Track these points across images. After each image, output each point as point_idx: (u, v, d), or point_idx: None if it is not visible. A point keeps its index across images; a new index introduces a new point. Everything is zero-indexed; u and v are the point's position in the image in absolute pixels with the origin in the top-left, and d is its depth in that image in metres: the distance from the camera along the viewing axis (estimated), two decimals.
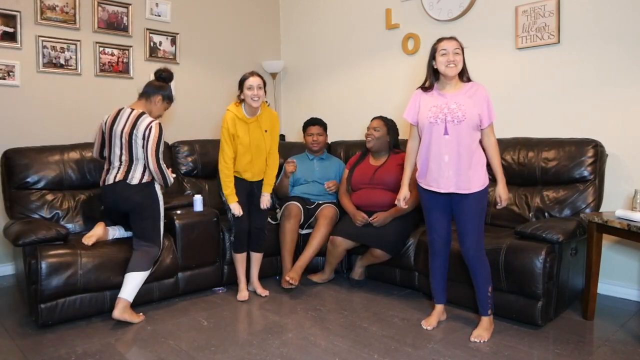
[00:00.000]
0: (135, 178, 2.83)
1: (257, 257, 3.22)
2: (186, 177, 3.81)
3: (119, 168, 2.86)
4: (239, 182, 3.09)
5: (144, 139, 2.82)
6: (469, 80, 2.47)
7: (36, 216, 3.04)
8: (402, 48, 4.11)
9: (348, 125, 4.54)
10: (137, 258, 2.75)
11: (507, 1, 3.44)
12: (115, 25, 4.03)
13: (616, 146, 3.01)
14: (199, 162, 3.83)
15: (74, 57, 3.83)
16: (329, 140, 4.34)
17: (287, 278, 3.14)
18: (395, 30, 4.15)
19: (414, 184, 2.63)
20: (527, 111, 3.39)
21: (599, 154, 2.91)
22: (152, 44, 4.25)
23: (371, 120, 3.41)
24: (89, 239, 2.77)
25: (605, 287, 3.05)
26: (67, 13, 3.78)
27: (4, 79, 3.55)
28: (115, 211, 2.92)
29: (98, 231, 2.83)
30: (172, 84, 4.25)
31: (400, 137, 3.46)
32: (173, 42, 4.38)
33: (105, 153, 2.94)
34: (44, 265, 2.52)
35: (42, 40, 3.67)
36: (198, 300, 3.07)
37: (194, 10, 4.53)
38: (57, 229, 2.69)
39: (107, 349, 2.35)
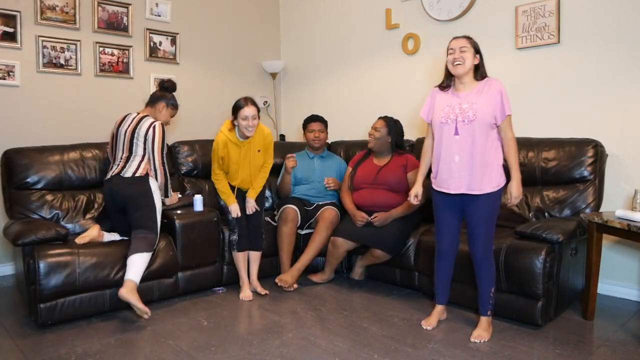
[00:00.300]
0: (129, 171, 2.95)
1: (256, 256, 3.23)
2: (186, 177, 3.81)
3: (118, 164, 3.00)
4: (233, 188, 3.22)
5: (145, 137, 2.97)
6: (483, 77, 2.42)
7: (36, 216, 3.04)
8: (402, 48, 4.11)
9: (348, 125, 4.54)
10: (136, 242, 2.79)
11: (507, 1, 3.44)
12: (115, 25, 4.03)
13: (616, 146, 3.01)
14: (199, 162, 3.83)
15: (74, 57, 3.83)
16: (329, 140, 4.34)
17: (279, 281, 3.18)
18: (395, 30, 4.15)
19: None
20: (527, 111, 3.39)
21: (599, 154, 2.91)
22: (152, 44, 4.25)
23: (376, 120, 3.40)
24: (82, 238, 2.79)
25: (605, 287, 3.05)
26: (67, 13, 3.78)
27: (4, 79, 3.55)
28: (113, 206, 2.99)
29: (92, 232, 2.85)
30: None
31: (406, 137, 3.46)
32: (173, 42, 4.38)
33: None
34: (42, 265, 2.52)
35: (42, 40, 3.67)
36: (198, 300, 3.07)
37: (194, 10, 4.53)
38: (57, 229, 2.69)
39: (107, 349, 2.35)
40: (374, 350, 2.33)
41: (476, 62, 2.41)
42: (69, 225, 3.08)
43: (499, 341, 2.41)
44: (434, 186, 2.53)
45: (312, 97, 4.92)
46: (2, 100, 3.55)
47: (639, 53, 2.92)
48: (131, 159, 3.00)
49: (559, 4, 3.20)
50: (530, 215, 3.03)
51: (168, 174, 3.10)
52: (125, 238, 2.98)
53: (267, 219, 3.46)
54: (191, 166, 3.83)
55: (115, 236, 3.00)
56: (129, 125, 3.03)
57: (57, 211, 3.12)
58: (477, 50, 2.42)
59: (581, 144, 2.96)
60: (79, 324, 2.66)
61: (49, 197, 3.13)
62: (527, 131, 3.32)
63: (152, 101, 3.16)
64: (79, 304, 2.67)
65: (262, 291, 3.13)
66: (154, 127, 3.00)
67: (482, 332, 2.43)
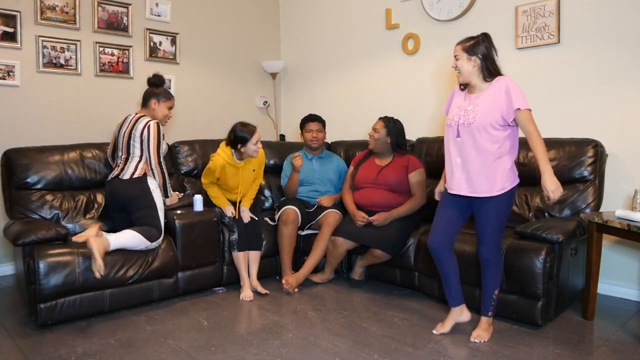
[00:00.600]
0: (127, 173, 2.98)
1: (256, 256, 3.24)
2: (186, 177, 3.81)
3: (118, 166, 3.04)
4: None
5: (141, 138, 2.98)
6: (493, 77, 2.33)
7: (36, 216, 3.04)
8: (402, 48, 4.11)
9: (348, 125, 4.54)
10: (138, 228, 2.85)
11: (507, 1, 3.44)
12: (115, 25, 4.03)
13: (616, 146, 3.01)
14: (199, 162, 3.83)
15: (74, 57, 3.83)
16: (329, 140, 4.34)
17: (285, 283, 3.18)
18: (395, 30, 4.15)
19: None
20: None
21: (599, 154, 2.91)
22: (152, 44, 4.25)
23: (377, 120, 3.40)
24: (80, 237, 2.73)
25: (605, 287, 3.05)
26: (67, 13, 3.78)
27: (4, 79, 3.54)
28: (114, 207, 3.03)
29: (90, 232, 2.80)
30: (173, 84, 4.29)
31: (406, 137, 3.45)
32: (173, 42, 4.38)
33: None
34: (42, 265, 2.52)
35: (42, 40, 3.67)
36: (198, 300, 3.07)
37: (194, 10, 4.53)
38: (57, 229, 2.69)
39: (107, 349, 2.35)
40: (374, 350, 2.33)
41: (474, 64, 2.34)
42: (69, 225, 3.07)
43: (499, 341, 2.41)
44: (445, 185, 2.52)
45: (312, 97, 4.92)
46: (2, 100, 3.55)
47: (639, 53, 2.92)
48: (129, 160, 3.03)
49: (559, 4, 3.20)
50: (530, 215, 3.03)
51: (166, 174, 3.10)
52: None
53: (267, 219, 3.46)
54: (191, 166, 3.83)
55: (119, 238, 2.94)
56: (127, 127, 3.05)
57: (57, 211, 3.12)
58: (473, 53, 2.33)
59: (581, 144, 2.96)
60: (79, 324, 2.66)
61: (49, 197, 3.13)
62: None
63: (144, 101, 3.16)
64: (79, 304, 2.67)
65: (263, 290, 3.14)
66: (149, 127, 3.00)
67: (481, 332, 2.42)
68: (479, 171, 2.32)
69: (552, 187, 2.23)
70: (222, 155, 3.23)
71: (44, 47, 3.69)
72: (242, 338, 2.49)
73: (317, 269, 3.46)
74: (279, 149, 4.21)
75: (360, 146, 3.97)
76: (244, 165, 3.27)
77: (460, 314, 2.53)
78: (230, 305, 2.98)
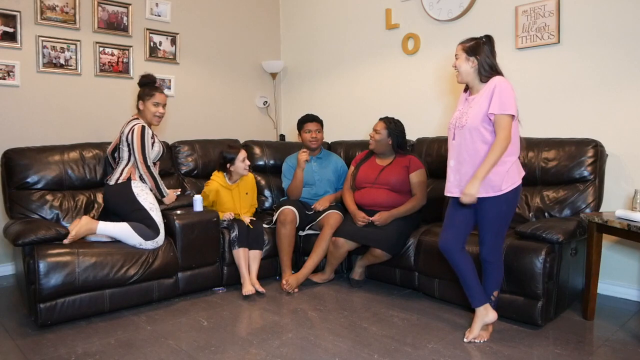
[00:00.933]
0: (113, 178, 3.03)
1: (256, 255, 3.24)
2: (186, 177, 3.81)
3: (112, 169, 3.15)
4: None
5: (127, 141, 3.01)
6: (489, 78, 2.31)
7: (36, 216, 3.04)
8: (402, 48, 4.11)
9: (348, 125, 4.55)
10: (133, 224, 2.87)
11: (507, 1, 3.44)
12: (115, 25, 4.03)
13: (616, 146, 3.01)
14: (199, 162, 3.84)
15: (74, 57, 3.83)
16: (329, 140, 4.34)
17: (285, 284, 3.19)
18: (395, 30, 4.16)
19: None
20: (527, 111, 3.38)
21: (599, 154, 2.91)
22: (152, 44, 4.25)
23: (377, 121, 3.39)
24: (71, 231, 2.75)
25: (605, 287, 3.06)
26: (67, 13, 3.78)
27: (4, 79, 3.54)
28: (108, 212, 3.08)
29: (75, 222, 2.81)
30: (173, 84, 4.31)
31: (407, 137, 3.45)
32: (173, 42, 4.38)
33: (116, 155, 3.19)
34: (41, 264, 2.52)
35: (42, 40, 3.67)
36: (198, 300, 3.07)
37: (194, 10, 4.53)
38: (57, 229, 2.69)
39: (107, 349, 2.35)
40: (374, 350, 2.33)
41: (472, 65, 2.33)
42: (69, 225, 3.07)
43: (499, 341, 2.41)
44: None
45: (312, 97, 4.92)
46: (2, 100, 3.55)
47: (638, 53, 2.92)
48: (118, 164, 3.07)
49: (559, 4, 3.20)
50: (530, 215, 3.03)
51: (157, 176, 3.09)
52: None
53: (264, 224, 3.45)
54: (191, 166, 3.83)
55: (109, 225, 2.89)
56: (122, 130, 3.07)
57: (57, 211, 3.12)
58: (472, 54, 2.33)
59: (581, 144, 2.96)
60: (79, 324, 2.66)
61: (49, 197, 3.13)
62: (527, 131, 3.31)
63: (137, 106, 3.18)
64: (79, 304, 2.66)
65: (260, 289, 3.13)
66: (133, 131, 3.00)
67: (481, 332, 2.42)
68: (470, 174, 2.30)
69: (469, 191, 2.22)
70: (216, 179, 3.44)
71: (44, 47, 3.69)
72: (242, 338, 2.49)
73: (317, 269, 3.45)
74: (279, 149, 4.21)
75: (360, 146, 3.97)
76: (236, 187, 3.46)
77: (486, 314, 2.40)
78: (230, 305, 2.98)
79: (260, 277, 3.26)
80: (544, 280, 2.48)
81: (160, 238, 2.93)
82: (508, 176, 2.29)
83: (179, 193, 3.37)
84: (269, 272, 3.46)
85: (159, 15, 4.28)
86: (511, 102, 2.22)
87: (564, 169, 2.97)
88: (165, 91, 4.28)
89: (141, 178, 3.03)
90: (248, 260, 3.22)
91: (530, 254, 2.51)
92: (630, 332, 2.52)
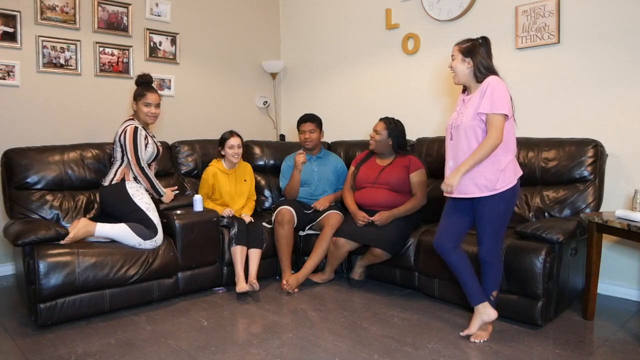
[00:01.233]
0: (107, 179, 3.04)
1: (256, 254, 3.23)
2: (186, 177, 3.81)
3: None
4: None
5: (120, 142, 3.01)
6: (484, 78, 2.33)
7: (36, 216, 3.04)
8: (402, 48, 4.11)
9: (348, 125, 4.55)
10: (131, 224, 2.87)
11: (507, 1, 3.44)
12: (115, 25, 4.03)
13: (616, 146, 3.01)
14: (199, 162, 3.83)
15: (74, 57, 3.83)
16: (329, 140, 4.34)
17: (285, 284, 3.18)
18: (395, 30, 4.15)
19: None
20: (527, 111, 3.39)
21: (599, 154, 2.91)
22: (152, 44, 4.25)
23: (378, 121, 3.39)
24: (71, 226, 2.78)
25: (605, 287, 3.06)
26: (67, 13, 3.78)
27: (4, 79, 3.54)
28: (106, 213, 3.08)
29: (73, 225, 2.80)
30: (173, 84, 4.32)
31: (406, 137, 3.46)
32: (173, 42, 4.38)
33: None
34: (41, 264, 2.52)
35: (42, 40, 3.67)
36: (198, 300, 3.07)
37: (194, 10, 4.53)
38: (57, 229, 2.69)
39: (107, 349, 2.35)
40: (374, 350, 2.33)
41: (468, 66, 2.35)
42: (69, 225, 3.07)
43: (499, 341, 2.41)
44: None
45: (312, 97, 4.92)
46: (2, 100, 3.55)
47: (638, 53, 2.92)
48: (113, 164, 3.09)
49: (559, 4, 3.20)
50: (530, 215, 3.03)
51: (152, 177, 3.08)
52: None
53: (264, 223, 3.45)
54: (191, 166, 3.83)
55: (107, 226, 2.88)
56: (117, 130, 3.09)
57: (57, 211, 3.11)
58: (468, 55, 2.34)
59: (581, 144, 2.96)
60: (79, 324, 2.66)
61: (49, 197, 3.13)
62: (527, 131, 3.32)
63: (132, 105, 3.20)
64: (79, 304, 2.66)
65: (256, 286, 3.09)
66: (125, 132, 3.01)
67: (481, 332, 2.42)
68: (468, 172, 2.30)
69: (450, 181, 2.27)
70: (214, 164, 3.54)
71: (44, 47, 3.69)
72: (242, 338, 2.49)
73: (318, 269, 3.45)
74: (279, 149, 4.21)
75: (360, 146, 3.97)
76: (234, 173, 3.53)
77: (485, 311, 2.40)
78: (230, 305, 2.98)
79: (260, 277, 3.25)
80: (544, 280, 2.48)
81: (159, 237, 2.93)
82: (503, 176, 2.29)
83: (177, 192, 3.36)
84: (269, 272, 3.46)
85: (159, 15, 4.28)
86: (504, 101, 2.23)
87: (564, 169, 2.97)
88: (165, 91, 4.32)
89: (135, 179, 3.03)
90: (245, 258, 3.21)
91: (530, 254, 2.51)
92: (630, 332, 2.52)
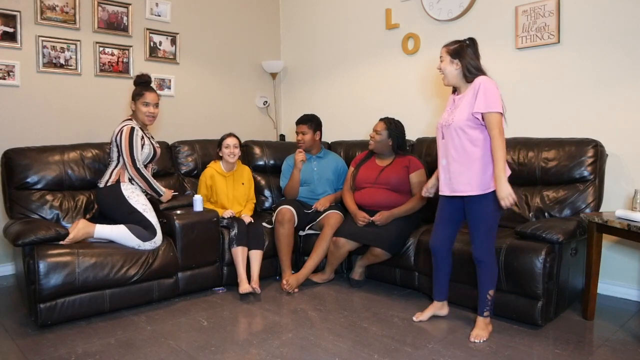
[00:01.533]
0: (103, 181, 3.04)
1: (257, 255, 3.23)
2: (186, 177, 3.81)
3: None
4: None
5: (116, 142, 3.00)
6: (474, 78, 2.37)
7: (36, 216, 3.04)
8: (402, 48, 4.11)
9: (348, 125, 4.54)
10: (129, 225, 2.87)
11: (507, 1, 3.44)
12: (115, 25, 4.03)
13: (616, 146, 3.01)
14: (199, 162, 3.83)
15: (74, 57, 3.83)
16: (329, 140, 4.34)
17: (286, 284, 3.18)
18: (395, 30, 4.16)
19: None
20: (527, 111, 3.39)
21: (599, 154, 2.91)
22: (152, 44, 4.25)
23: (377, 121, 3.39)
24: (72, 227, 2.78)
25: (605, 287, 3.06)
26: (67, 13, 3.78)
27: (4, 79, 3.54)
28: (103, 215, 3.09)
29: (73, 227, 2.80)
30: (173, 84, 4.31)
31: (406, 138, 3.46)
32: (173, 42, 4.38)
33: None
34: (41, 265, 2.52)
35: (42, 40, 3.67)
36: (198, 300, 3.07)
37: (194, 10, 4.53)
38: (57, 229, 2.69)
39: (107, 349, 2.35)
40: (374, 350, 2.33)
41: (457, 67, 2.40)
42: (69, 225, 3.07)
43: (499, 341, 2.41)
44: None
45: (312, 97, 4.92)
46: (2, 100, 3.55)
47: (638, 53, 2.92)
48: (109, 165, 3.08)
49: (559, 4, 3.20)
50: (530, 215, 3.03)
51: (148, 177, 3.06)
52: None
53: (264, 224, 3.46)
54: (191, 166, 3.83)
55: (106, 228, 2.89)
56: (114, 130, 3.08)
57: (57, 211, 3.11)
58: (456, 56, 2.39)
59: (581, 144, 2.96)
60: (79, 324, 2.66)
61: (49, 197, 3.12)
62: (527, 131, 3.32)
63: (130, 105, 3.19)
64: (79, 304, 2.66)
65: (258, 290, 3.09)
66: (121, 132, 2.99)
67: (479, 332, 2.43)
68: (459, 171, 2.37)
69: (503, 194, 2.24)
70: (212, 165, 3.55)
71: (44, 47, 3.69)
72: (242, 338, 2.49)
73: (318, 269, 3.45)
74: (279, 149, 4.21)
75: (360, 146, 3.97)
76: (232, 175, 3.53)
77: (441, 308, 2.71)
78: (230, 305, 2.98)
79: (261, 277, 3.25)
80: (544, 280, 2.48)
81: (158, 238, 2.92)
82: (491, 176, 2.33)
83: (176, 194, 3.37)
84: (269, 272, 3.46)
85: (159, 15, 4.28)
86: (497, 100, 2.28)
87: (564, 169, 2.97)
88: (165, 91, 4.32)
89: (131, 180, 3.02)
90: (246, 259, 3.21)
91: (530, 254, 2.50)
92: (630, 332, 2.52)
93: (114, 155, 3.04)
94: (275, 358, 2.25)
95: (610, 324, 2.62)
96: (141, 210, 2.92)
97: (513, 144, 3.22)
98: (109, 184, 2.99)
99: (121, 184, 2.97)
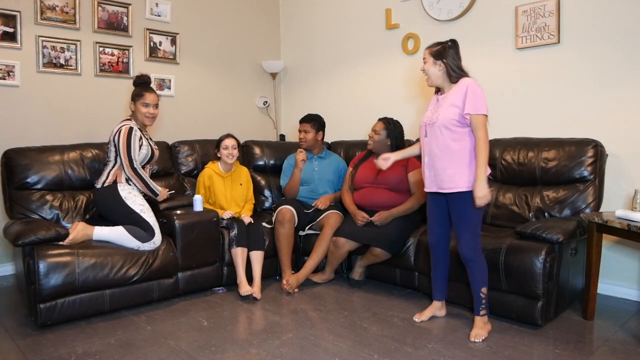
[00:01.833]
0: (100, 181, 3.02)
1: (258, 256, 3.23)
2: (186, 177, 3.81)
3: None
4: None
5: (114, 142, 2.99)
6: (459, 78, 2.44)
7: (36, 216, 3.03)
8: (402, 48, 4.11)
9: (348, 125, 4.54)
10: (128, 227, 2.87)
11: (507, 1, 3.44)
12: (115, 25, 4.03)
13: (616, 146, 3.01)
14: (199, 162, 3.83)
15: (74, 57, 3.83)
16: (329, 140, 4.34)
17: (286, 284, 3.18)
18: (395, 30, 4.16)
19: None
20: (527, 111, 3.39)
21: (599, 154, 2.91)
22: (152, 44, 4.25)
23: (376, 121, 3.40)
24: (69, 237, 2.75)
25: (605, 287, 3.06)
26: (67, 13, 3.78)
27: (4, 79, 3.54)
28: (101, 216, 3.08)
29: (72, 229, 2.79)
30: (173, 84, 4.31)
31: (406, 138, 3.46)
32: (173, 42, 4.38)
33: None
34: (41, 265, 2.52)
35: (42, 40, 3.67)
36: (198, 300, 3.07)
37: (194, 10, 4.53)
38: (57, 229, 2.69)
39: (107, 349, 2.35)
40: (374, 350, 2.33)
41: (440, 68, 2.45)
42: (69, 226, 3.07)
43: (499, 341, 2.41)
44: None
45: (312, 97, 4.93)
46: (2, 100, 3.55)
47: (638, 53, 2.92)
48: (106, 165, 3.07)
49: (559, 4, 3.20)
50: (530, 215, 3.03)
51: (145, 177, 3.05)
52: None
53: (264, 223, 3.45)
54: (191, 166, 3.83)
55: (105, 230, 2.88)
56: (112, 130, 3.08)
57: (57, 211, 3.11)
58: (439, 57, 2.44)
59: (581, 144, 2.96)
60: (79, 324, 2.66)
61: (49, 197, 3.12)
62: (527, 131, 3.32)
63: (130, 105, 3.17)
64: (79, 304, 2.66)
65: (258, 295, 3.06)
66: (120, 132, 2.98)
67: (478, 331, 2.44)
68: (442, 168, 2.43)
69: (480, 194, 2.32)
70: (210, 166, 3.53)
71: (44, 47, 3.69)
72: (242, 338, 2.49)
73: (318, 269, 3.45)
74: (279, 149, 4.21)
75: (360, 146, 3.97)
76: (229, 176, 3.51)
77: (440, 308, 2.73)
78: (230, 305, 2.98)
79: (261, 278, 3.25)
80: (544, 280, 2.48)
81: (157, 239, 2.92)
82: (473, 173, 2.40)
83: (172, 192, 3.36)
84: (269, 272, 3.46)
85: (159, 15, 4.28)
86: (484, 103, 2.37)
87: (564, 169, 2.97)
88: (165, 91, 4.32)
89: (127, 181, 3.01)
90: (245, 260, 3.21)
91: (530, 254, 2.50)
92: (630, 332, 2.52)
93: (112, 155, 3.03)
94: (275, 358, 2.25)
95: (610, 324, 2.62)
96: (139, 211, 2.91)
97: (513, 144, 3.23)
98: (105, 184, 2.98)
99: (118, 184, 2.96)
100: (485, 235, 2.79)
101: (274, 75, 5.09)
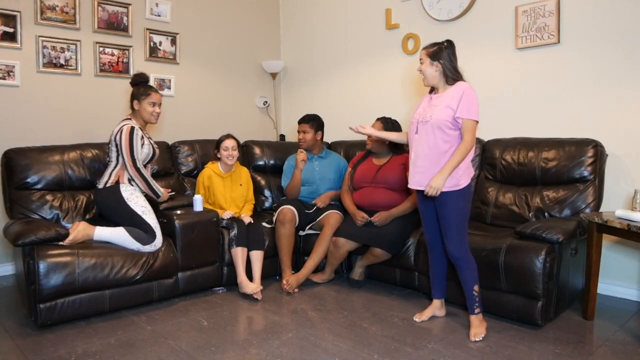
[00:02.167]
0: (102, 182, 3.01)
1: (258, 256, 3.23)
2: (186, 177, 3.81)
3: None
4: None
5: (116, 142, 2.98)
6: (455, 80, 2.46)
7: (36, 216, 3.04)
8: (402, 48, 4.11)
9: (348, 125, 4.53)
10: (128, 228, 2.87)
11: (507, 1, 3.44)
12: (115, 25, 4.03)
13: (616, 146, 3.01)
14: (199, 162, 3.83)
15: (74, 57, 3.83)
16: (329, 140, 4.34)
17: (286, 284, 3.18)
18: (395, 30, 4.16)
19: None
20: (527, 111, 3.39)
21: (599, 154, 2.91)
22: (152, 44, 4.25)
23: (374, 121, 3.40)
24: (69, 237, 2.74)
25: (605, 287, 3.06)
26: (67, 13, 3.78)
27: (4, 79, 3.54)
28: (102, 216, 3.08)
29: (72, 229, 2.78)
30: (173, 84, 4.30)
31: None
32: (173, 42, 4.38)
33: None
34: (41, 265, 2.52)
35: (42, 40, 3.67)
36: (198, 300, 3.07)
37: (194, 10, 4.53)
38: (57, 229, 2.69)
39: (107, 349, 2.35)
40: (374, 350, 2.33)
41: (437, 69, 2.46)
42: (69, 225, 3.07)
43: (499, 341, 2.41)
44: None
45: (312, 97, 4.92)
46: (2, 100, 3.55)
47: (638, 53, 2.92)
48: (108, 166, 3.06)
49: (559, 4, 3.20)
50: (530, 215, 3.03)
51: (148, 178, 3.03)
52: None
53: (264, 223, 3.46)
54: (191, 166, 3.84)
55: (106, 230, 2.88)
56: (113, 130, 3.06)
57: (57, 211, 3.11)
58: (435, 58, 2.46)
59: (581, 144, 2.96)
60: (78, 324, 2.66)
61: (49, 197, 3.12)
62: (527, 131, 3.32)
63: (130, 104, 3.13)
64: (79, 304, 2.66)
65: (259, 296, 3.07)
66: (121, 131, 2.96)
67: (476, 330, 2.45)
68: (432, 166, 2.44)
69: (435, 184, 2.36)
70: (210, 166, 3.53)
71: (44, 47, 3.69)
72: (242, 338, 2.49)
73: (318, 269, 3.45)
74: (279, 149, 4.21)
75: (360, 146, 3.97)
76: (229, 177, 3.51)
77: (440, 307, 2.74)
78: (230, 305, 2.98)
79: (261, 277, 3.25)
80: (544, 280, 2.48)
81: (158, 241, 2.91)
82: (464, 173, 2.44)
83: (173, 193, 3.36)
84: (269, 272, 3.46)
85: (159, 15, 4.28)
86: (476, 109, 2.40)
87: (564, 169, 2.97)
88: (165, 91, 4.32)
89: (130, 181, 3.00)
90: (245, 260, 3.21)
91: (530, 254, 2.50)
92: (630, 332, 2.52)
93: (113, 155, 3.01)
94: (275, 358, 2.25)
95: (610, 324, 2.62)
96: (140, 213, 2.90)
97: (513, 144, 3.23)
98: (108, 185, 2.97)
99: (120, 185, 2.95)
100: (485, 235, 2.80)
101: (274, 75, 5.09)
